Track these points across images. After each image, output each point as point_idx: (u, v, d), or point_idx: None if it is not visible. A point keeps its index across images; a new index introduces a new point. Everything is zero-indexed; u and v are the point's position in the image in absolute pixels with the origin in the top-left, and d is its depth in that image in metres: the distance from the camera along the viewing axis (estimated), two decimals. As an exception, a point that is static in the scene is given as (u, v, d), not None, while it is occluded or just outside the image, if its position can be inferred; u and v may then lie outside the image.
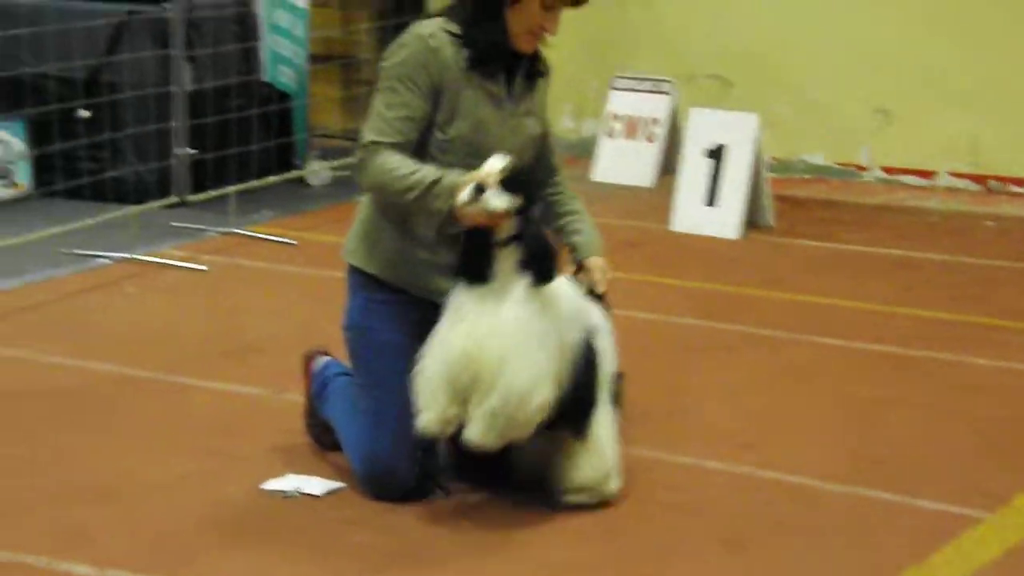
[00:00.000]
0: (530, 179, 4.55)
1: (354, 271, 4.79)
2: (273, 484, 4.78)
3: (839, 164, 9.71)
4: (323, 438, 5.03)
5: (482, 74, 4.65)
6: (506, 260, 4.47)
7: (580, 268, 4.81)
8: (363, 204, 4.81)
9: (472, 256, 4.49)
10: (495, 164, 4.41)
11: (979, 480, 4.98)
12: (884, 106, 9.52)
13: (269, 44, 8.91)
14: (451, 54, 4.61)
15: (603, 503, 4.70)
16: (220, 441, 5.17)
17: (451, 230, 4.58)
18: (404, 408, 4.65)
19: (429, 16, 4.74)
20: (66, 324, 6.47)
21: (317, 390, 5.02)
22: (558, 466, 4.69)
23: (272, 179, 8.56)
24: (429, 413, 4.47)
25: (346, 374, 4.97)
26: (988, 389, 5.90)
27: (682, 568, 4.39)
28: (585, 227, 4.87)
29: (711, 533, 4.57)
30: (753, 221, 8.27)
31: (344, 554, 4.38)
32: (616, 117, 9.52)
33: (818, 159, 9.75)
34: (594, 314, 4.66)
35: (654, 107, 9.46)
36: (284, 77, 8.97)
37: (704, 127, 8.39)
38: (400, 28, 4.73)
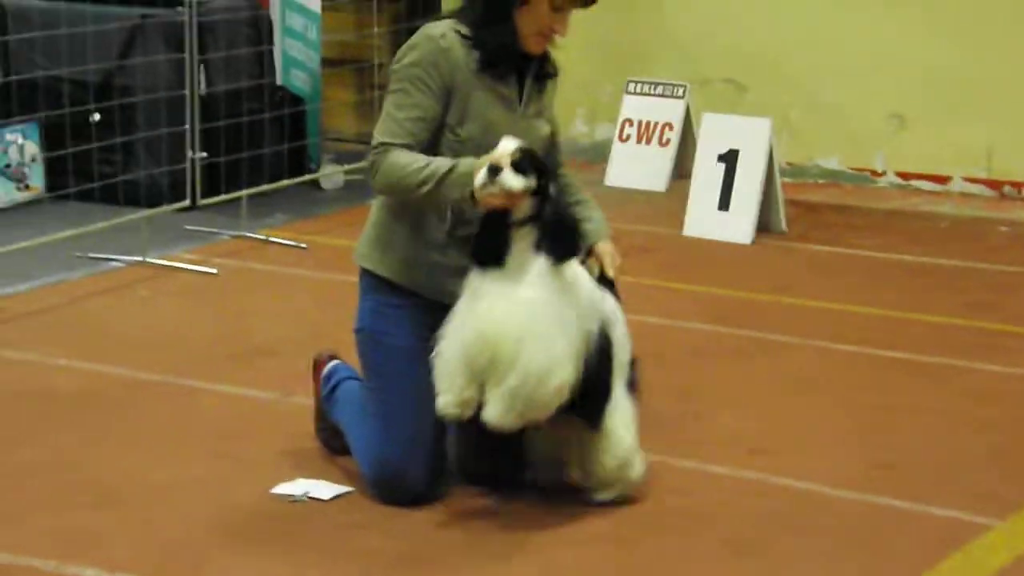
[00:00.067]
0: (543, 160, 4.54)
1: (366, 274, 4.79)
2: (282, 488, 4.78)
3: (853, 169, 9.68)
4: (332, 442, 5.02)
5: (493, 76, 4.65)
6: (522, 241, 4.46)
7: (589, 253, 4.80)
8: (375, 208, 4.81)
9: (488, 239, 4.48)
10: (507, 146, 4.41)
11: (990, 487, 4.96)
12: (899, 111, 9.49)
13: (283, 48, 8.92)
14: (462, 55, 4.61)
15: (625, 499, 4.72)
16: (229, 445, 5.17)
17: (463, 230, 4.58)
18: (414, 412, 4.65)
19: (440, 18, 4.74)
20: (77, 327, 6.48)
21: (326, 394, 5.02)
22: (578, 462, 4.71)
23: (285, 183, 8.57)
24: (447, 395, 4.46)
25: (355, 378, 4.97)
26: (1000, 396, 5.88)
27: (690, 573, 4.38)
28: (593, 214, 4.85)
29: (720, 539, 4.56)
30: (766, 226, 8.26)
31: (352, 558, 4.38)
32: (630, 122, 9.50)
33: (832, 164, 9.73)
34: (608, 304, 4.65)
35: (668, 112, 9.44)
36: (298, 81, 8.99)
37: (717, 132, 8.38)
38: (413, 32, 4.73)
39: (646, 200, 9.04)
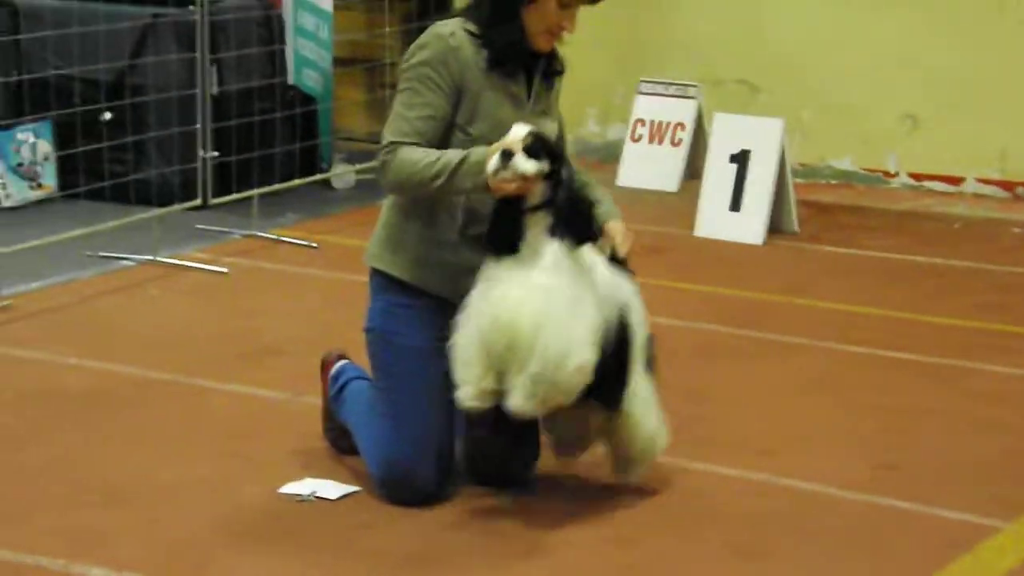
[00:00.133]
0: (554, 144, 4.54)
1: (376, 274, 4.79)
2: (289, 488, 4.78)
3: (866, 170, 9.67)
4: (340, 442, 5.03)
5: (502, 74, 4.65)
6: (536, 227, 4.46)
7: (600, 233, 4.79)
8: (385, 208, 4.81)
9: (502, 227, 4.48)
10: (519, 131, 4.41)
11: (998, 489, 4.95)
12: (912, 112, 9.48)
13: (295, 47, 8.93)
14: (471, 54, 4.61)
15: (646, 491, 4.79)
16: (237, 444, 5.17)
17: (475, 228, 4.59)
18: (423, 412, 4.66)
19: (448, 17, 4.73)
20: (88, 326, 6.49)
21: (334, 393, 5.02)
22: (602, 443, 4.77)
23: (296, 182, 8.57)
24: (466, 387, 4.46)
25: (363, 378, 4.97)
26: (1009, 397, 5.86)
27: (694, 574, 4.38)
28: (600, 196, 4.85)
29: (725, 540, 4.56)
30: (777, 227, 8.24)
31: (359, 558, 4.38)
32: (642, 122, 9.50)
33: (845, 165, 9.71)
34: (625, 289, 4.65)
35: (680, 112, 9.43)
36: (309, 80, 8.99)
37: (729, 132, 8.37)
38: (424, 31, 4.72)
39: (658, 200, 9.03)
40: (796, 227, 8.31)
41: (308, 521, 4.59)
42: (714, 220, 8.24)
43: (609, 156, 9.70)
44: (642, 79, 9.57)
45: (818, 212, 8.80)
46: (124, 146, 8.18)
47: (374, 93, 9.77)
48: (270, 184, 8.37)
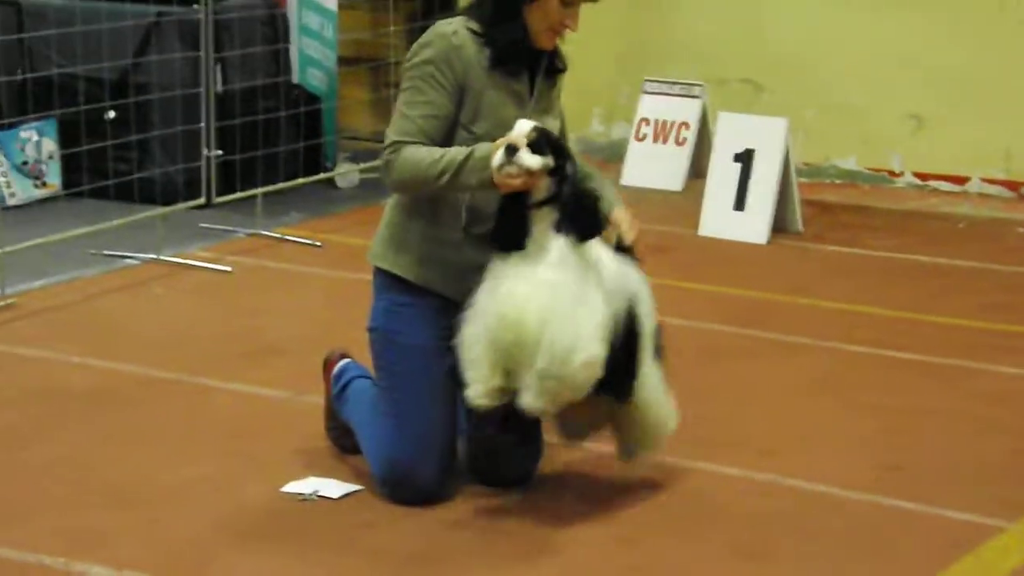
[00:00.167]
0: (559, 140, 4.55)
1: (380, 273, 4.79)
2: (292, 487, 4.78)
3: (871, 169, 9.66)
4: (342, 441, 5.02)
5: (504, 73, 4.64)
6: (542, 222, 4.46)
7: (606, 223, 4.79)
8: (389, 207, 4.80)
9: (507, 223, 4.48)
10: (523, 127, 4.41)
11: (1001, 489, 4.95)
12: (916, 112, 9.47)
13: (299, 46, 8.93)
14: (474, 52, 4.60)
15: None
16: (240, 443, 5.17)
17: (479, 227, 4.58)
18: (426, 411, 4.66)
19: (451, 16, 4.72)
20: (92, 325, 6.49)
21: (337, 392, 5.02)
22: (613, 431, 4.78)
23: (301, 181, 8.57)
24: (475, 386, 4.46)
25: (366, 377, 4.97)
26: (1014, 398, 5.85)
27: (697, 575, 4.37)
28: (603, 186, 4.86)
29: (728, 540, 4.55)
30: (782, 226, 8.24)
31: (361, 557, 4.38)
32: (646, 121, 9.49)
33: (850, 164, 9.71)
34: (633, 279, 4.65)
35: (684, 111, 9.43)
36: (314, 79, 8.99)
37: (733, 131, 8.37)
38: (427, 30, 4.72)
39: (662, 200, 9.02)
40: (800, 226, 8.30)
41: (310, 520, 4.59)
42: (718, 219, 8.24)
43: (613, 155, 9.69)
44: (646, 78, 9.57)
45: (822, 211, 8.80)
46: (128, 145, 8.18)
47: (378, 92, 9.77)
48: (274, 183, 8.37)
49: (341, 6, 9.11)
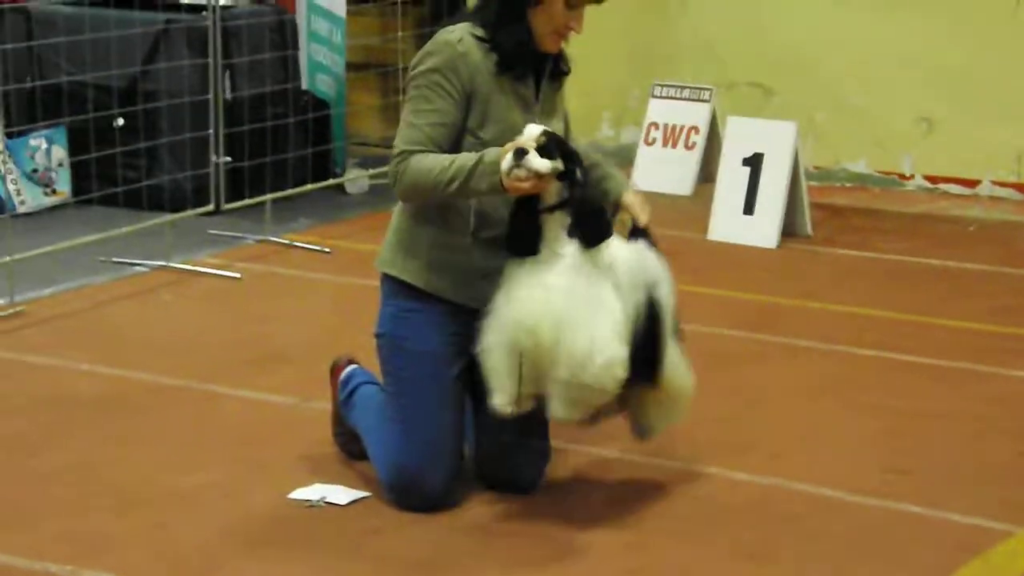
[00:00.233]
0: (569, 144, 4.56)
1: (387, 279, 4.78)
2: (299, 493, 4.78)
3: (881, 173, 9.65)
4: (350, 447, 5.02)
5: (511, 77, 4.64)
6: (554, 227, 4.47)
7: (617, 208, 4.80)
8: (396, 213, 4.80)
9: (520, 229, 4.49)
10: (533, 131, 4.42)
11: (1009, 493, 4.93)
12: (927, 114, 9.45)
13: (308, 52, 8.93)
14: (480, 58, 4.60)
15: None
16: (247, 450, 5.18)
17: (487, 232, 4.58)
18: (433, 417, 4.66)
19: (455, 22, 4.72)
20: (100, 332, 6.50)
21: (344, 398, 5.02)
22: (641, 415, 4.79)
23: (309, 187, 8.58)
24: (499, 394, 4.49)
25: (373, 383, 4.97)
26: (1023, 401, 5.84)
27: (706, 580, 4.38)
28: (611, 171, 4.87)
29: (734, 544, 4.54)
30: (791, 230, 8.23)
31: (368, 563, 4.38)
32: (655, 125, 9.49)
33: (860, 167, 9.69)
34: (651, 264, 4.66)
35: (694, 115, 9.42)
36: (323, 85, 9.00)
37: (742, 135, 8.36)
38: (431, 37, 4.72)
39: (671, 204, 9.00)
40: (809, 230, 8.29)
41: (318, 526, 4.59)
42: (727, 224, 8.23)
43: (623, 160, 9.66)
44: (656, 82, 9.57)
45: (832, 215, 8.78)
46: (137, 152, 8.20)
47: (387, 98, 9.77)
48: (283, 189, 8.38)
49: (350, 12, 9.12)
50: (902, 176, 9.60)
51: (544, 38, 4.63)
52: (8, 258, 6.79)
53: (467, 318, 4.65)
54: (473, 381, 4.75)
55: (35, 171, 8.29)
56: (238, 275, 7.28)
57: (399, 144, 4.59)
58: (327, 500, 4.73)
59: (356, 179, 9.07)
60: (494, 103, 4.62)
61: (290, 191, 8.43)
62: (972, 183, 9.42)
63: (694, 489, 4.93)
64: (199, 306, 6.91)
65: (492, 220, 4.61)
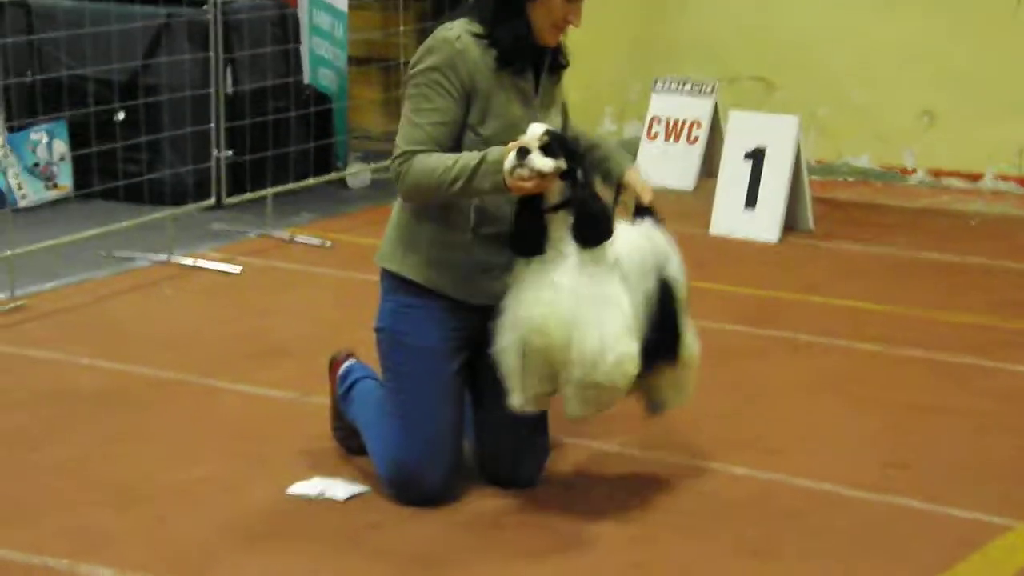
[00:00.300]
0: (572, 144, 4.55)
1: (387, 275, 4.78)
2: (298, 488, 4.78)
3: (883, 167, 9.64)
4: (349, 442, 5.02)
5: (511, 72, 4.63)
6: (559, 226, 4.47)
7: (620, 188, 4.81)
8: (396, 209, 4.79)
9: (524, 228, 4.49)
10: (536, 130, 4.42)
11: (1009, 488, 4.93)
12: (929, 108, 9.45)
13: (310, 46, 8.93)
14: (478, 55, 4.59)
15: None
16: (246, 444, 5.17)
17: (488, 228, 4.59)
18: (432, 412, 4.66)
19: (453, 18, 4.71)
20: (102, 326, 6.49)
21: (343, 393, 5.01)
22: (656, 392, 4.79)
23: (311, 181, 8.58)
24: (516, 394, 4.53)
25: (371, 377, 4.96)
26: (1024, 396, 5.86)
27: (704, 574, 4.36)
28: (612, 150, 4.87)
29: (735, 539, 4.54)
30: (793, 224, 8.22)
31: (367, 558, 4.38)
32: (658, 119, 9.48)
33: (862, 162, 9.69)
34: (657, 244, 4.67)
35: (696, 109, 9.42)
36: (325, 79, 8.99)
37: (744, 129, 8.35)
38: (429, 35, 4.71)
39: (674, 199, 8.99)
40: (811, 225, 8.28)
41: (316, 521, 4.59)
42: (729, 218, 8.22)
43: (625, 154, 9.68)
44: (658, 77, 9.56)
45: (834, 209, 8.78)
46: (138, 146, 8.20)
47: (389, 92, 9.77)
48: (284, 183, 8.38)
49: (351, 6, 9.12)
50: (904, 170, 9.59)
51: (543, 32, 4.62)
52: (9, 252, 6.80)
53: (467, 314, 4.65)
54: (473, 377, 4.76)
55: (36, 165, 8.28)
56: (239, 269, 7.28)
57: (401, 144, 4.58)
58: (326, 495, 4.73)
59: (358, 173, 9.06)
60: (494, 99, 4.61)
61: (291, 185, 8.43)
62: (974, 177, 9.41)
63: (695, 484, 4.92)
64: (200, 300, 6.91)
65: (492, 216, 4.61)
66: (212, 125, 7.99)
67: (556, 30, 4.63)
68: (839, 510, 4.76)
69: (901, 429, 5.44)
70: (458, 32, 4.60)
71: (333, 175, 8.91)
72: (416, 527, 4.56)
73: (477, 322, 4.66)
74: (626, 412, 4.93)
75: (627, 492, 4.84)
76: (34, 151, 8.26)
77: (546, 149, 4.38)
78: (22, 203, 8.14)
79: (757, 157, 8.24)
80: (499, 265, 4.61)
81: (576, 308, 4.41)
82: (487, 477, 4.85)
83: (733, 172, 8.29)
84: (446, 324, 4.67)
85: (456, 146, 4.59)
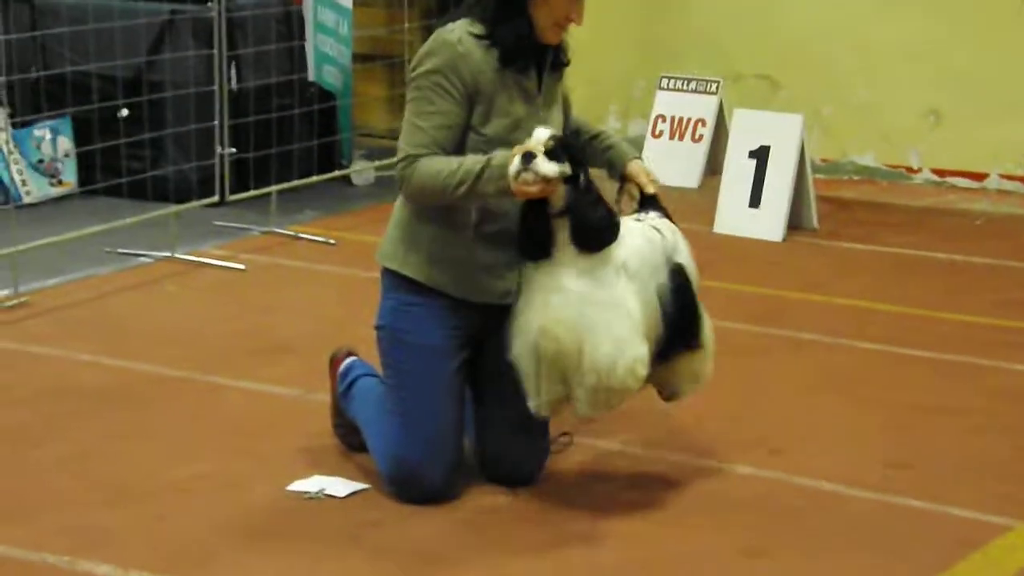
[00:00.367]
0: (577, 148, 4.56)
1: (388, 273, 4.77)
2: (298, 485, 4.78)
3: (888, 166, 9.63)
4: (349, 439, 5.02)
5: (513, 71, 4.62)
6: (564, 231, 4.48)
7: (624, 179, 4.81)
8: (398, 207, 4.79)
9: (531, 232, 4.50)
10: (541, 134, 4.42)
11: (1009, 488, 4.92)
12: (935, 107, 9.43)
13: (315, 44, 8.92)
14: (481, 56, 4.58)
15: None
16: (248, 441, 5.17)
17: (489, 226, 4.58)
18: (432, 410, 4.66)
19: (454, 18, 4.70)
20: (105, 323, 6.50)
21: (343, 390, 5.01)
22: (673, 381, 4.81)
23: (315, 178, 8.58)
24: (533, 399, 4.56)
25: (372, 375, 4.96)
26: (1026, 395, 5.85)
27: (704, 573, 4.36)
28: (614, 141, 4.88)
29: (735, 538, 4.54)
30: (797, 223, 8.22)
31: (367, 556, 4.38)
32: (662, 117, 9.47)
33: (867, 160, 9.68)
34: (665, 235, 4.68)
35: (701, 107, 9.41)
36: (329, 77, 8.99)
37: (748, 128, 8.34)
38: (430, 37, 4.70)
39: (679, 197, 8.92)
40: (815, 223, 8.28)
41: (317, 518, 4.58)
42: (733, 217, 8.22)
43: (630, 152, 9.67)
44: (663, 75, 9.55)
45: (838, 208, 8.77)
46: (142, 143, 8.19)
47: (394, 89, 9.75)
48: (289, 180, 8.38)
49: (356, 3, 9.11)
50: (909, 169, 9.58)
51: (545, 30, 4.62)
52: (13, 248, 6.80)
53: (468, 312, 4.65)
54: (474, 375, 4.75)
55: (40, 161, 8.30)
56: (243, 266, 7.28)
57: (404, 147, 4.57)
58: (326, 492, 4.73)
59: (362, 171, 9.06)
60: (497, 99, 4.60)
61: (296, 182, 8.43)
62: (979, 177, 9.40)
63: (697, 482, 4.92)
64: (203, 297, 6.91)
65: (494, 215, 4.61)
66: (216, 122, 7.98)
67: (558, 28, 4.63)
68: (840, 509, 4.75)
69: (903, 429, 5.43)
70: (459, 34, 4.58)
71: (337, 172, 8.91)
72: (416, 525, 4.55)
73: (478, 320, 4.67)
74: (628, 411, 4.92)
75: (628, 490, 4.84)
76: (38, 147, 8.28)
77: (551, 154, 4.38)
78: (26, 199, 8.16)
79: (761, 155, 8.23)
80: (500, 263, 4.61)
81: (585, 312, 4.43)
82: (487, 475, 4.85)
83: (737, 170, 8.29)
84: (447, 322, 4.67)
85: (459, 148, 4.59)
